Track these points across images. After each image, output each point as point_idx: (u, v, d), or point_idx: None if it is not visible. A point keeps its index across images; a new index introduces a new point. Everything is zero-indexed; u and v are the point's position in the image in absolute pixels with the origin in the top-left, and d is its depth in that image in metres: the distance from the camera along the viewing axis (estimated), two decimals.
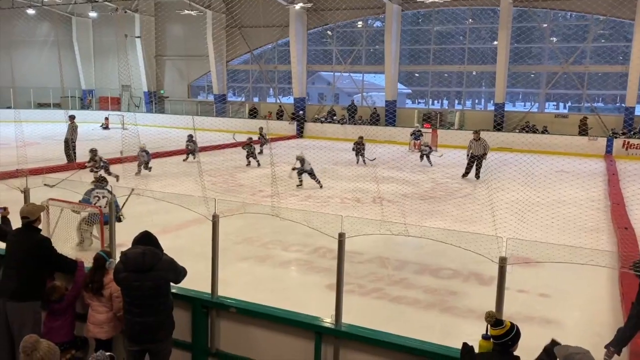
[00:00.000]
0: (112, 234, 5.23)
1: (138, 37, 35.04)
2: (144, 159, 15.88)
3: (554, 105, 31.33)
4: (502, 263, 3.67)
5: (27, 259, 4.75)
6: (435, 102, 32.36)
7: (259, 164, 18.37)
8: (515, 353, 3.50)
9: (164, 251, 4.54)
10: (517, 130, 26.77)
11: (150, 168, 16.17)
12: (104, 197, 8.75)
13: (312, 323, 4.34)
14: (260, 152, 20.83)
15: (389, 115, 29.71)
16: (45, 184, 7.04)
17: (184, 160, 18.82)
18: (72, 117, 17.97)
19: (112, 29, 35.86)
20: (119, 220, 7.50)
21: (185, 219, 9.11)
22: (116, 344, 4.79)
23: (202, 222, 5.49)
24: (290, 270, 8.41)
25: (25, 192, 5.75)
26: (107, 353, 2.89)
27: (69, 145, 17.47)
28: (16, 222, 5.30)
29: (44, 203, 6.94)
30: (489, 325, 3.52)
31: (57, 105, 35.71)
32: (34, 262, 4.75)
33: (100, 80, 38.07)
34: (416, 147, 24.73)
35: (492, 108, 28.37)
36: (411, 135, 25.11)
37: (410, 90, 33.81)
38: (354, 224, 8.70)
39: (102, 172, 12.52)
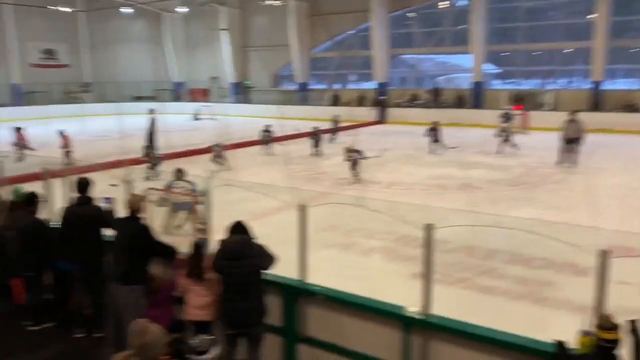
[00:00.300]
0: (209, 221, 5.50)
1: (224, 29, 36.19)
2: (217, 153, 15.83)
3: None
4: (603, 257, 3.45)
5: (130, 245, 5.12)
6: (526, 81, 30.79)
7: (318, 153, 18.08)
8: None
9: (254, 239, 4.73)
10: (617, 110, 24.88)
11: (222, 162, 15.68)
12: (182, 188, 9.21)
13: (400, 313, 4.34)
14: (332, 141, 20.80)
15: (476, 98, 28.71)
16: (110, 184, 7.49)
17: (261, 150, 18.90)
18: (152, 111, 18.72)
19: (201, 23, 37.40)
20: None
21: (271, 206, 9.39)
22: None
23: (287, 209, 5.67)
24: (375, 258, 8.42)
25: (128, 184, 6.17)
26: (209, 336, 3.06)
27: (150, 138, 18.04)
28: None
29: (144, 192, 7.44)
30: (597, 327, 3.30)
31: (152, 98, 37.84)
32: (137, 249, 5.11)
33: (190, 73, 39.84)
34: (508, 130, 23.73)
35: (589, 87, 26.55)
36: (500, 117, 24.08)
37: (498, 70, 32.40)
38: (441, 214, 8.58)
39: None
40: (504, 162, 16.42)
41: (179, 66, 40.16)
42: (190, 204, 8.18)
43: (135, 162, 15.82)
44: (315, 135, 18.52)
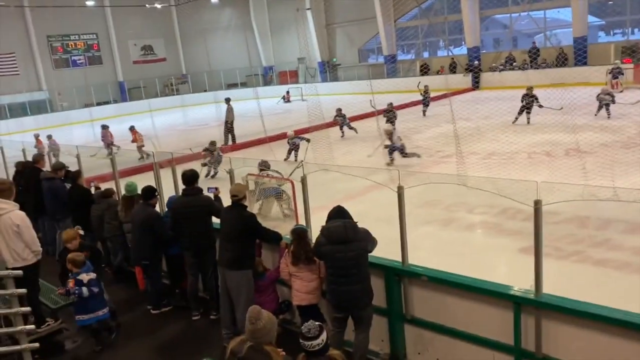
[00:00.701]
0: (306, 207, 5.61)
1: (308, 9, 36.31)
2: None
3: None
4: None
5: (237, 233, 5.36)
6: (636, 31, 27.97)
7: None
8: None
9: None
10: None
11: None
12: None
13: (509, 293, 4.19)
14: (423, 114, 20.25)
15: (579, 54, 26.57)
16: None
17: (341, 137, 17.97)
18: (227, 100, 19.11)
19: (285, 5, 37.75)
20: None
21: (366, 185, 9.37)
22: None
23: (382, 187, 5.61)
24: (477, 234, 8.17)
25: (231, 173, 6.43)
26: (317, 322, 3.14)
27: (227, 127, 18.51)
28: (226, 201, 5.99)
29: (243, 178, 7.73)
30: None
31: (244, 85, 39.05)
32: (244, 236, 5.34)
33: (278, 56, 40.54)
34: (616, 87, 21.85)
35: None
36: (609, 73, 22.20)
37: (603, 22, 29.68)
38: (548, 188, 8.08)
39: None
40: (615, 123, 15.16)
41: (267, 50, 40.96)
42: (278, 189, 8.35)
43: (236, 147, 16.50)
44: (389, 112, 17.69)
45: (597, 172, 10.15)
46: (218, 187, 6.55)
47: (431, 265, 4.89)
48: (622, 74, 22.03)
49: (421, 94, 21.64)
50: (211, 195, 6.32)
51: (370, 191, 9.55)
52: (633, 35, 27.56)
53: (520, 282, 4.27)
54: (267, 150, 14.55)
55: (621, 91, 21.53)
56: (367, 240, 4.60)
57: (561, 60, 26.79)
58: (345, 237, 4.48)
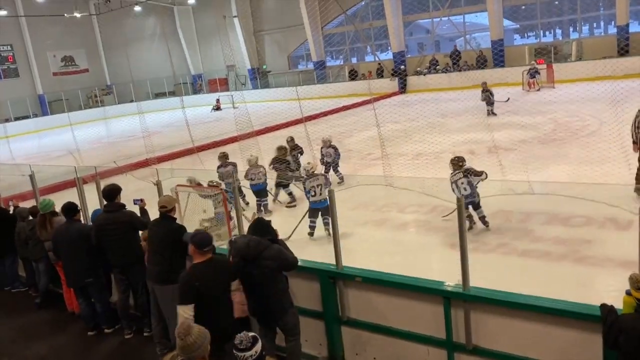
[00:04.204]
0: (239, 217, 5.54)
1: (235, 16, 36.07)
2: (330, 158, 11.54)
3: None
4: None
5: (165, 246, 5.19)
6: (547, 33, 29.83)
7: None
8: None
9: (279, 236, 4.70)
10: None
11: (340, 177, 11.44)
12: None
13: (439, 288, 4.31)
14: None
15: (497, 56, 27.97)
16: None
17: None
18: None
19: (211, 13, 37.26)
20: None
21: (300, 190, 9.40)
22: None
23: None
24: (410, 232, 8.36)
25: (158, 185, 6.24)
26: (250, 333, 3.09)
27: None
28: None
29: (172, 189, 7.52)
30: (633, 287, 3.25)
31: (172, 93, 38.18)
32: (172, 249, 5.18)
33: (207, 64, 39.97)
34: (532, 86, 23.17)
35: (614, 32, 25.55)
36: (526, 74, 23.49)
37: (517, 25, 31.43)
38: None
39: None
40: (533, 120, 16.03)
41: (196, 58, 40.30)
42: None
43: (163, 158, 16.07)
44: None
45: (517, 168, 10.70)
46: (144, 198, 6.34)
47: (367, 266, 4.96)
48: (539, 73, 23.38)
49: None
50: (137, 208, 6.11)
51: (303, 196, 9.56)
52: (545, 37, 29.36)
53: (451, 277, 4.41)
54: (195, 160, 14.27)
55: (538, 89, 22.86)
56: (276, 259, 4.40)
57: (481, 62, 28.09)
58: (247, 254, 4.35)
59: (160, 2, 36.82)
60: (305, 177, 8.36)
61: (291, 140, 11.82)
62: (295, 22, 34.12)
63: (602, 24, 28.85)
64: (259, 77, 37.20)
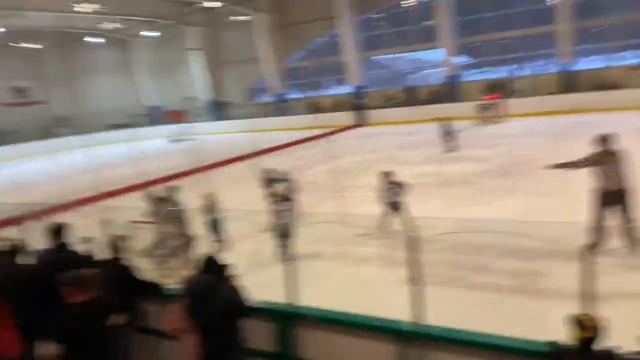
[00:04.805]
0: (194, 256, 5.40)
1: (194, 49, 36.12)
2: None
3: (630, 55, 29.16)
4: (598, 240, 3.41)
5: (112, 287, 4.98)
6: (499, 69, 31.04)
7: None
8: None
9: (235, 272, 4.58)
10: (589, 90, 25.19)
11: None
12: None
13: (391, 327, 4.28)
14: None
15: (451, 91, 28.89)
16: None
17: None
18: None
19: (170, 45, 37.26)
20: None
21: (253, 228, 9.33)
22: None
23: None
24: (367, 267, 8.35)
25: (106, 223, 6.04)
26: None
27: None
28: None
29: (128, 225, 7.31)
30: (576, 325, 3.31)
31: (129, 125, 37.60)
32: (120, 290, 4.97)
33: (166, 96, 39.65)
34: (485, 120, 23.92)
35: (560, 69, 26.85)
36: (479, 107, 24.27)
37: (470, 61, 32.64)
38: (426, 214, 8.47)
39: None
40: (486, 153, 16.48)
41: (153, 89, 39.97)
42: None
43: (113, 193, 15.64)
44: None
45: (471, 200, 10.92)
46: (92, 236, 6.11)
47: (325, 304, 4.88)
48: (490, 108, 24.20)
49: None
50: (85, 247, 5.88)
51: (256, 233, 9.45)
52: (496, 73, 30.54)
53: (410, 313, 4.38)
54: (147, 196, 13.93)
55: (492, 124, 23.62)
56: (227, 302, 4.27)
57: (436, 97, 28.92)
58: (197, 296, 4.24)
59: (119, 34, 36.53)
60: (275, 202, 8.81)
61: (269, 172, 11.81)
62: (255, 55, 34.43)
63: (548, 61, 30.26)
64: (219, 109, 37.14)
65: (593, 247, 7.05)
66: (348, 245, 9.19)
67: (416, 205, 11.22)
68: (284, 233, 8.31)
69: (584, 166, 7.48)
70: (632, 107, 21.57)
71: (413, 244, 4.16)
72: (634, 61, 26.89)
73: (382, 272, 7.97)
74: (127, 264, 5.25)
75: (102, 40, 36.82)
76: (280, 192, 9.07)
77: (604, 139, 7.42)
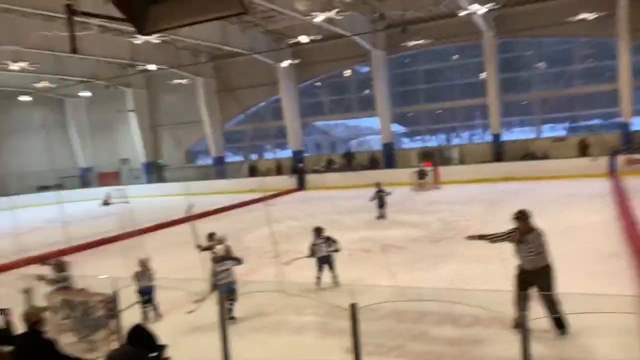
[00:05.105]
0: (120, 328, 5.03)
1: (132, 110, 35.66)
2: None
3: (550, 128, 31.44)
4: (522, 319, 3.46)
5: None
6: (432, 138, 32.53)
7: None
8: None
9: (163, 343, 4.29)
10: (518, 159, 26.74)
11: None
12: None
13: None
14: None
15: (388, 158, 29.79)
16: None
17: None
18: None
19: (106, 106, 36.61)
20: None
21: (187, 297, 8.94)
22: None
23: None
24: (306, 337, 8.09)
25: (27, 292, 5.58)
26: None
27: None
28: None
29: (48, 295, 6.79)
30: None
31: (58, 187, 35.96)
32: None
33: (98, 157, 38.52)
34: (421, 187, 24.66)
35: (490, 139, 28.43)
36: (415, 174, 25.07)
37: (405, 130, 34.06)
38: (366, 281, 8.45)
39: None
40: (422, 219, 16.86)
41: (87, 151, 38.79)
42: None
43: (35, 260, 14.61)
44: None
45: (409, 266, 11.00)
46: (9, 308, 5.60)
47: None
48: (426, 174, 25.06)
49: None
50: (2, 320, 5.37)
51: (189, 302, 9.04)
52: (430, 141, 31.96)
53: None
54: (74, 262, 13.13)
55: (427, 190, 24.37)
56: None
57: (373, 163, 29.71)
58: None
59: (50, 93, 35.58)
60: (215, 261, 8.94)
61: (212, 235, 11.43)
62: (194, 118, 34.38)
63: (479, 132, 32.08)
64: (155, 172, 36.37)
65: (517, 325, 6.98)
66: (285, 314, 8.93)
67: (355, 272, 11.25)
68: (228, 293, 8.36)
69: (501, 241, 7.35)
70: (558, 176, 23.00)
71: (353, 313, 4.05)
72: (559, 133, 29.02)
73: (323, 341, 7.75)
74: (48, 338, 4.81)
75: (35, 99, 35.70)
76: (220, 253, 9.13)
77: (521, 215, 7.22)
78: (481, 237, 7.66)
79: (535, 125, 28.69)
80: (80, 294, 7.96)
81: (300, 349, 7.59)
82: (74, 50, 2.80)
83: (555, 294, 6.87)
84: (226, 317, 8.04)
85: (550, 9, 24.97)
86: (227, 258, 8.98)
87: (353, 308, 4.04)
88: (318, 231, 10.49)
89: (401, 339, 7.40)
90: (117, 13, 2.76)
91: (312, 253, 10.24)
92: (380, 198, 17.65)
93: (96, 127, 38.39)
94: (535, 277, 6.96)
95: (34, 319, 4.73)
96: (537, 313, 6.54)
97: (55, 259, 9.08)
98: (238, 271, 9.24)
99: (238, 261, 9.02)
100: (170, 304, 9.30)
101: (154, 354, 4.12)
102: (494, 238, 7.47)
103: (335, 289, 9.33)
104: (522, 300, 6.85)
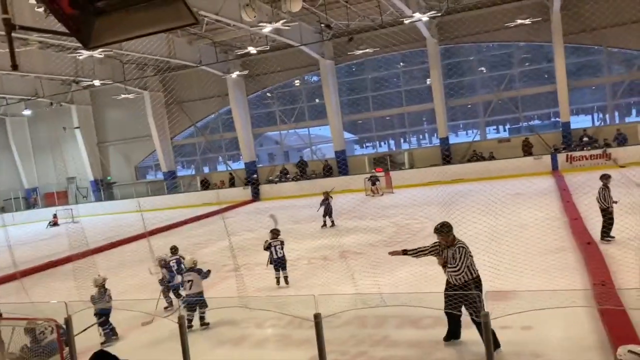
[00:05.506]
0: (72, 353, 4.83)
1: (77, 127, 34.53)
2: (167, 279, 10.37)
3: (494, 129, 32.47)
4: (486, 319, 3.54)
5: None
6: (382, 144, 32.99)
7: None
8: None
9: None
10: (465, 161, 27.48)
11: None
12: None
13: None
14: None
15: (341, 165, 29.99)
16: None
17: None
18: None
19: (50, 124, 35.27)
20: None
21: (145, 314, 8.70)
22: None
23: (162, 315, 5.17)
24: (269, 349, 8.02)
25: None
26: None
27: None
28: None
29: None
30: None
31: (2, 210, 34.38)
32: None
33: (44, 177, 37.05)
34: (375, 192, 24.96)
35: (438, 143, 29.10)
36: (368, 180, 25.36)
37: (356, 137, 34.41)
38: (325, 290, 8.46)
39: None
40: (378, 224, 17.05)
41: (31, 171, 37.24)
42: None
43: None
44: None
45: (367, 272, 11.07)
46: None
47: None
48: (378, 180, 25.39)
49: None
50: None
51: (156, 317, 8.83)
52: (381, 147, 32.41)
53: None
54: (18, 288, 12.56)
55: (381, 195, 24.68)
56: None
57: (327, 171, 29.85)
58: None
59: None
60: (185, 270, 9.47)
61: (175, 250, 11.58)
62: (143, 133, 33.57)
63: (427, 135, 32.78)
64: (103, 189, 35.27)
65: (447, 338, 6.97)
66: (247, 327, 8.82)
67: (315, 280, 11.26)
68: (196, 303, 8.86)
69: (425, 255, 7.26)
70: (504, 175, 23.75)
71: (317, 322, 4.05)
72: (502, 135, 30.01)
73: (284, 354, 7.68)
74: None
75: None
76: (187, 262, 9.76)
77: (442, 229, 6.97)
78: (405, 251, 7.50)
79: (479, 127, 29.59)
80: (28, 321, 7.59)
81: None
82: (14, 67, 2.66)
83: (481, 310, 6.69)
84: (200, 325, 8.77)
85: (490, 15, 25.91)
86: (194, 269, 9.19)
87: (317, 318, 4.03)
88: (275, 233, 11.27)
89: (364, 345, 7.45)
90: (59, 27, 2.66)
91: (268, 249, 11.20)
92: (326, 206, 17.84)
93: (40, 146, 36.90)
94: (459, 290, 6.71)
95: None
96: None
97: None
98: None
99: (206, 274, 9.35)
100: (127, 323, 9.02)
101: None
102: (417, 252, 7.33)
103: (296, 298, 9.22)
104: (449, 316, 6.88)
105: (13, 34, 2.55)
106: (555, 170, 24.16)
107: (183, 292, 9.65)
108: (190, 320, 8.58)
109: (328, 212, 17.93)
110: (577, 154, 24.60)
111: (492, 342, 3.89)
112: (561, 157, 24.78)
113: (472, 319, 6.36)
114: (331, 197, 18.25)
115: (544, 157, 24.99)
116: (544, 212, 14.89)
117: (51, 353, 7.31)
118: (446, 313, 6.91)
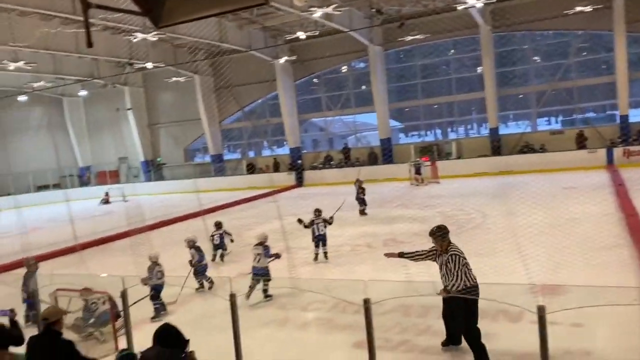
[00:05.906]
0: (128, 328, 5.02)
1: (129, 109, 35.54)
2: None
3: (546, 121, 31.45)
4: (542, 312, 3.46)
5: None
6: (429, 133, 32.52)
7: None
8: None
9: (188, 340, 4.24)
10: (515, 152, 26.76)
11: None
12: None
13: None
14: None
15: (386, 153, 29.78)
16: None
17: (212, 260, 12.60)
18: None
19: (104, 105, 36.48)
20: None
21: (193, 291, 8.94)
22: None
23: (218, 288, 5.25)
24: (312, 332, 8.11)
25: (34, 293, 5.56)
26: None
27: None
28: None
29: (51, 294, 6.77)
30: None
31: (57, 186, 35.89)
32: None
33: (97, 156, 38.40)
34: (418, 180, 24.67)
35: (487, 133, 28.43)
36: (411, 164, 25.08)
37: (402, 125, 34.04)
38: (369, 275, 8.43)
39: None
40: (423, 213, 16.87)
41: (85, 150, 38.66)
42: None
43: (41, 258, 14.60)
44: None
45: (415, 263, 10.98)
46: (14, 308, 5.57)
47: None
48: (426, 169, 25.09)
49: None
50: (6, 320, 5.34)
51: (195, 299, 9.06)
52: (427, 136, 31.94)
53: None
54: (77, 260, 13.13)
55: (426, 184, 24.38)
56: None
57: (372, 159, 29.69)
58: None
59: (48, 92, 35.42)
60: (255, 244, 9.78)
61: (219, 225, 13.16)
62: (193, 116, 34.27)
63: (475, 126, 32.09)
64: (153, 170, 36.29)
65: (445, 343, 6.80)
66: (291, 309, 8.94)
67: (359, 267, 11.27)
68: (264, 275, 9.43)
69: (422, 260, 7.07)
70: (556, 169, 23.02)
71: (367, 308, 4.06)
72: (554, 126, 29.05)
73: (327, 337, 7.75)
74: (67, 339, 4.76)
75: (33, 98, 35.54)
76: (258, 237, 10.02)
77: (438, 233, 6.64)
78: (401, 254, 7.32)
79: (531, 118, 28.71)
80: (83, 292, 7.94)
81: (308, 344, 7.61)
82: (89, 44, 2.76)
83: (473, 324, 6.31)
84: (264, 297, 9.25)
85: (547, 1, 24.94)
86: (262, 244, 9.66)
87: (366, 303, 4.05)
88: (318, 212, 12.45)
89: (408, 334, 7.42)
90: (131, 6, 2.74)
91: (311, 226, 12.18)
92: (360, 194, 17.83)
93: (94, 126, 38.26)
94: (451, 300, 6.50)
95: (53, 319, 4.68)
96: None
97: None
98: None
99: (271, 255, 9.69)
100: (179, 298, 9.28)
101: (183, 355, 4.08)
102: (414, 256, 7.14)
103: (342, 284, 9.21)
104: (446, 321, 6.75)
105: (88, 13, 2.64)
106: (610, 165, 23.20)
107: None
108: (250, 290, 9.17)
109: (359, 200, 17.84)
110: (635, 148, 23.54)
111: (546, 339, 3.79)
112: (618, 151, 23.76)
113: (461, 332, 6.28)
114: (363, 186, 17.99)
115: (598, 151, 24.03)
116: (598, 207, 14.35)
117: (103, 324, 7.63)
118: (444, 318, 6.82)
